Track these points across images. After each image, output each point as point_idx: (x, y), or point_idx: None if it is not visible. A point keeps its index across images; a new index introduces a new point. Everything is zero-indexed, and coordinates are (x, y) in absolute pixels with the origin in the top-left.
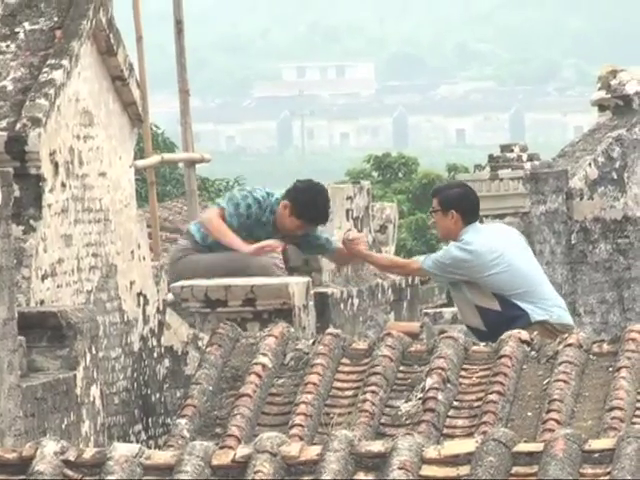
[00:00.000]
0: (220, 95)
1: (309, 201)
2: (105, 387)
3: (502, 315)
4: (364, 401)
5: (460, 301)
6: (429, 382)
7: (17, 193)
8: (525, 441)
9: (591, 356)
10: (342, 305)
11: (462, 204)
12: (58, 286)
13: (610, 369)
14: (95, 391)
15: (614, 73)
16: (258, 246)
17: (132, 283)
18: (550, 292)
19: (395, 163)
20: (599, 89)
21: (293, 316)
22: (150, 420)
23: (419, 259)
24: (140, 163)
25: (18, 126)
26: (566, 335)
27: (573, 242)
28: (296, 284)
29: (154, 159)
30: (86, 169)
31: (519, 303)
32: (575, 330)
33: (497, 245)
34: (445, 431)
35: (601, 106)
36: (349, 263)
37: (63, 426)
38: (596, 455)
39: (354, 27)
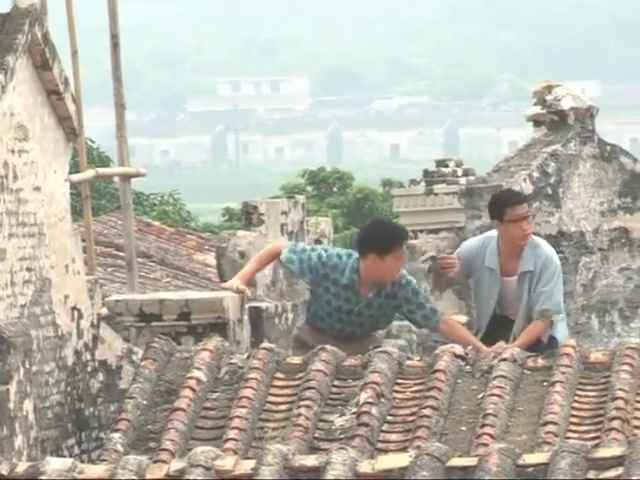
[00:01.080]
0: (155, 109)
1: (370, 234)
2: (38, 401)
3: None
4: (298, 415)
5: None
6: (363, 397)
7: None
8: (459, 456)
9: (525, 371)
10: (276, 319)
11: None
12: None
13: (544, 384)
14: (28, 405)
15: (549, 88)
16: None
17: (66, 297)
18: None
19: (330, 178)
20: (534, 104)
21: (227, 330)
22: (83, 434)
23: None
24: (75, 177)
25: None
26: (500, 350)
27: None
28: (230, 298)
29: (89, 173)
30: (20, 183)
31: None
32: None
33: None
34: (379, 445)
35: (536, 121)
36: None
37: None
38: (530, 469)
39: (289, 42)
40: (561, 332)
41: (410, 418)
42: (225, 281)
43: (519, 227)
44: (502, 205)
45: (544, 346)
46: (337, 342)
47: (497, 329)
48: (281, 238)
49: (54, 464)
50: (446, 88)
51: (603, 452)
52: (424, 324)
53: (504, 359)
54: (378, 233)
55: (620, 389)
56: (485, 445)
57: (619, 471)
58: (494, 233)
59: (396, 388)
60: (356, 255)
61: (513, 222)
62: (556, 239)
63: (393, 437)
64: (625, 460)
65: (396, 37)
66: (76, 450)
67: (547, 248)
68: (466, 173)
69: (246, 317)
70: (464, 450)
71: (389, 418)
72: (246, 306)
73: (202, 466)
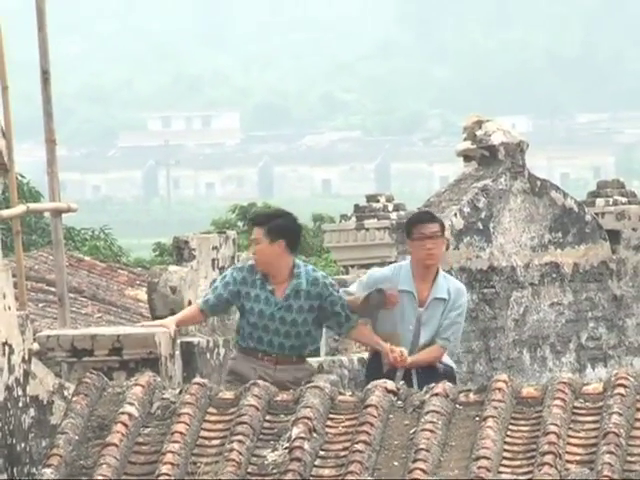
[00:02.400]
0: (85, 145)
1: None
2: None
3: None
4: (231, 450)
5: None
6: (295, 431)
7: None
8: None
9: (458, 405)
10: (208, 354)
11: None
12: None
13: (477, 418)
14: None
15: (479, 123)
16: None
17: None
18: None
19: None
20: (465, 139)
21: (160, 365)
22: (15, 470)
23: (447, 346)
24: (5, 213)
25: None
26: (432, 385)
27: None
28: (162, 334)
29: (20, 209)
30: None
31: None
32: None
33: None
34: None
35: (467, 156)
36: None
37: None
38: None
39: (218, 76)
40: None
41: (343, 453)
42: (156, 318)
43: (424, 246)
44: (410, 224)
45: (442, 373)
46: (269, 364)
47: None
48: (212, 273)
49: None
50: (377, 123)
51: None
52: (337, 330)
53: (436, 394)
54: None
55: (552, 424)
56: None
57: None
58: (406, 261)
59: (328, 423)
60: None
61: (418, 240)
62: (487, 274)
63: (326, 472)
64: None
65: (326, 72)
66: None
67: (459, 282)
68: (397, 208)
69: (178, 352)
70: None
71: (322, 453)
72: (178, 341)
73: None
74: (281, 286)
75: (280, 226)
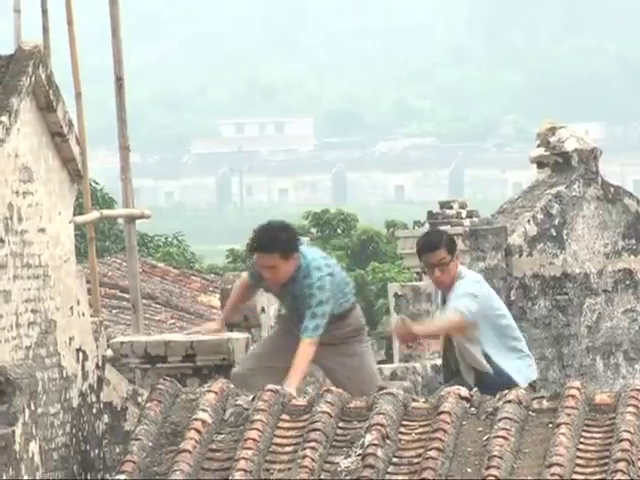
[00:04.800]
0: (159, 151)
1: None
2: (44, 443)
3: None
4: (304, 457)
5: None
6: (368, 438)
7: None
8: None
9: (531, 412)
10: None
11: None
12: None
13: (550, 425)
14: (34, 447)
15: (553, 130)
16: None
17: (71, 339)
18: None
19: (334, 219)
20: (538, 146)
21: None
22: (89, 476)
23: (458, 313)
24: (79, 219)
25: None
26: (506, 392)
27: (512, 298)
28: (236, 340)
29: (93, 215)
30: (25, 225)
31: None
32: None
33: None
34: None
35: (540, 163)
36: None
37: None
38: None
39: (292, 83)
40: (522, 372)
41: (416, 460)
42: (229, 325)
43: (431, 273)
44: (417, 249)
45: (492, 377)
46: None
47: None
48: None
49: None
50: (451, 130)
51: None
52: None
53: (509, 401)
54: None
55: (625, 431)
56: None
57: None
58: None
59: (401, 430)
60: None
61: (426, 266)
62: (560, 281)
63: (399, 479)
64: None
65: (399, 79)
66: None
67: (473, 284)
68: (470, 215)
69: None
70: None
71: (394, 460)
72: (251, 348)
73: None
74: None
75: (289, 242)
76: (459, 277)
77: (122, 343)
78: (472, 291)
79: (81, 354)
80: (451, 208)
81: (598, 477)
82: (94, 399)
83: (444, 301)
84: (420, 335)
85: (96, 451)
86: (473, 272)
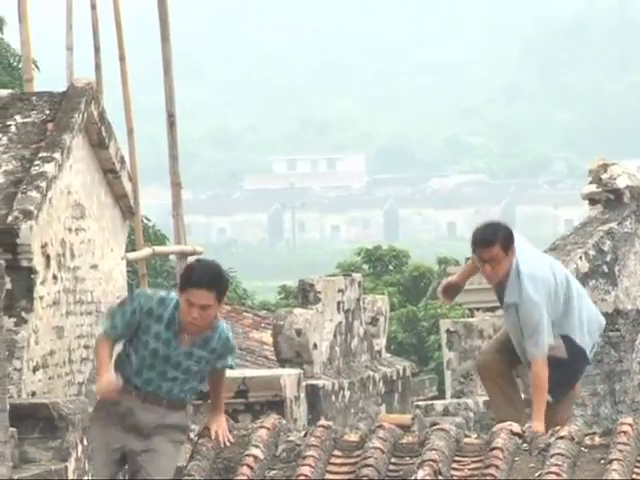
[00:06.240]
0: (211, 187)
1: (186, 267)
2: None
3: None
4: None
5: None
6: (421, 474)
7: (9, 285)
8: None
9: (583, 448)
10: (333, 397)
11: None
12: (50, 378)
13: (602, 461)
14: None
15: (605, 167)
16: None
17: None
18: None
19: (386, 256)
20: (590, 182)
21: (285, 408)
22: None
23: (536, 358)
24: (132, 255)
25: (10, 219)
26: (558, 428)
27: None
28: (288, 376)
29: (145, 251)
30: (78, 261)
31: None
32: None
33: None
34: None
35: (592, 199)
36: None
37: None
38: None
39: (343, 120)
40: (578, 337)
41: None
42: (282, 360)
43: (484, 268)
44: (472, 242)
45: (569, 360)
46: (137, 400)
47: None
48: (337, 315)
49: None
50: (503, 166)
51: None
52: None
53: (561, 437)
54: (185, 270)
55: None
56: None
57: None
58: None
59: (454, 465)
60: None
61: (479, 261)
62: (612, 317)
63: None
64: None
65: (450, 115)
66: None
67: (528, 282)
68: None
69: (303, 395)
70: None
71: None
72: (303, 384)
73: None
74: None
75: (226, 284)
76: (517, 275)
77: None
78: (537, 301)
79: None
80: None
81: None
82: None
83: (497, 293)
84: (541, 416)
85: None
86: (530, 263)
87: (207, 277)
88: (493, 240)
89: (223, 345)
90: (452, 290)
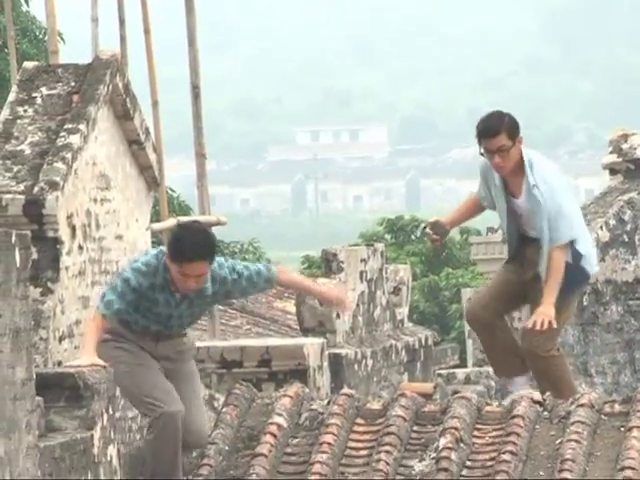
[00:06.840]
0: (235, 159)
1: (174, 239)
2: (122, 447)
3: None
4: (378, 461)
5: None
6: (443, 442)
7: (35, 256)
8: None
9: (603, 416)
10: (356, 366)
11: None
12: (75, 347)
13: (622, 429)
14: (112, 451)
15: (625, 137)
16: None
17: None
18: None
19: (408, 225)
20: (610, 153)
21: (308, 377)
22: None
23: (560, 241)
24: (156, 226)
25: (36, 189)
26: (578, 396)
27: (585, 304)
28: (311, 345)
29: (170, 222)
30: (103, 232)
31: None
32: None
33: None
34: None
35: (612, 170)
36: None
37: None
38: None
39: (367, 92)
40: (583, 245)
41: (489, 463)
42: (305, 329)
43: (492, 158)
44: (477, 136)
45: (572, 268)
46: (150, 341)
47: (519, 249)
48: (360, 285)
49: None
50: (524, 137)
51: None
52: (265, 286)
53: (581, 405)
54: (175, 243)
55: None
56: None
57: None
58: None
59: (475, 433)
60: (164, 254)
61: (486, 152)
62: (633, 286)
63: None
64: None
65: (472, 87)
66: None
67: (541, 168)
68: None
69: (326, 364)
70: None
71: (468, 463)
72: (326, 353)
73: None
74: None
75: (216, 246)
76: (529, 165)
77: (199, 348)
78: (559, 185)
79: None
80: None
81: None
82: None
83: (504, 185)
84: (552, 299)
85: None
86: (539, 156)
87: (200, 249)
88: (498, 128)
89: (222, 284)
90: (439, 229)
